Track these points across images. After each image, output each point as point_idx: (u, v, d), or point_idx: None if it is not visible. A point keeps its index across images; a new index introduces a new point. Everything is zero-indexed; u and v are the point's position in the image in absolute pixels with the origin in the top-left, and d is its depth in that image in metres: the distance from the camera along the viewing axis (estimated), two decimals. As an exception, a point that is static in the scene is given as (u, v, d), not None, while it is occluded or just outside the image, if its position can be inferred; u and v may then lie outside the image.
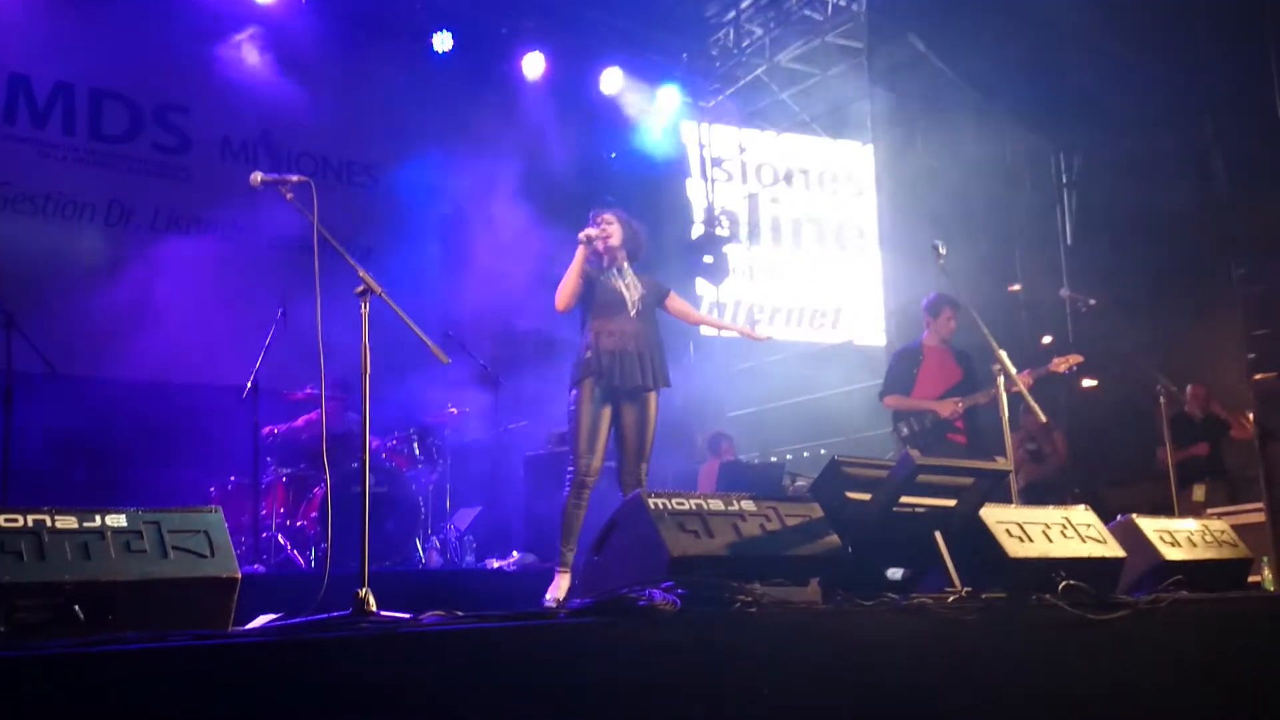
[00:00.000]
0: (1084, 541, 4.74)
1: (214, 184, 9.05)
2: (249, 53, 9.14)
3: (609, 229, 5.60)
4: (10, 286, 6.62)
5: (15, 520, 3.33)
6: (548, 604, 5.11)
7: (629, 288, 5.55)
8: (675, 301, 5.82)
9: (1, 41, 8.31)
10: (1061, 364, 6.82)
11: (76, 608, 3.26)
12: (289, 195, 4.43)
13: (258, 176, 4.44)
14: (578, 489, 5.43)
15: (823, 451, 11.21)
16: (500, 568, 7.25)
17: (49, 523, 3.37)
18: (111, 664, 2.71)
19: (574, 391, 5.46)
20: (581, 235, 5.51)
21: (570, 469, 5.46)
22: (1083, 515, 4.92)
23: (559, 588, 5.32)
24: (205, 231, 9.05)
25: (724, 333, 6.07)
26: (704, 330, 5.85)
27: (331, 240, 4.37)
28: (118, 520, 3.47)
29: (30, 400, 6.63)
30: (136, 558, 3.40)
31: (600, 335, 5.45)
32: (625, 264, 5.63)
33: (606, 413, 5.43)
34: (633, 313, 5.50)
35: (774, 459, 11.30)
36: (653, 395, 5.50)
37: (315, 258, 4.37)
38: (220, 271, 8.59)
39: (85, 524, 3.42)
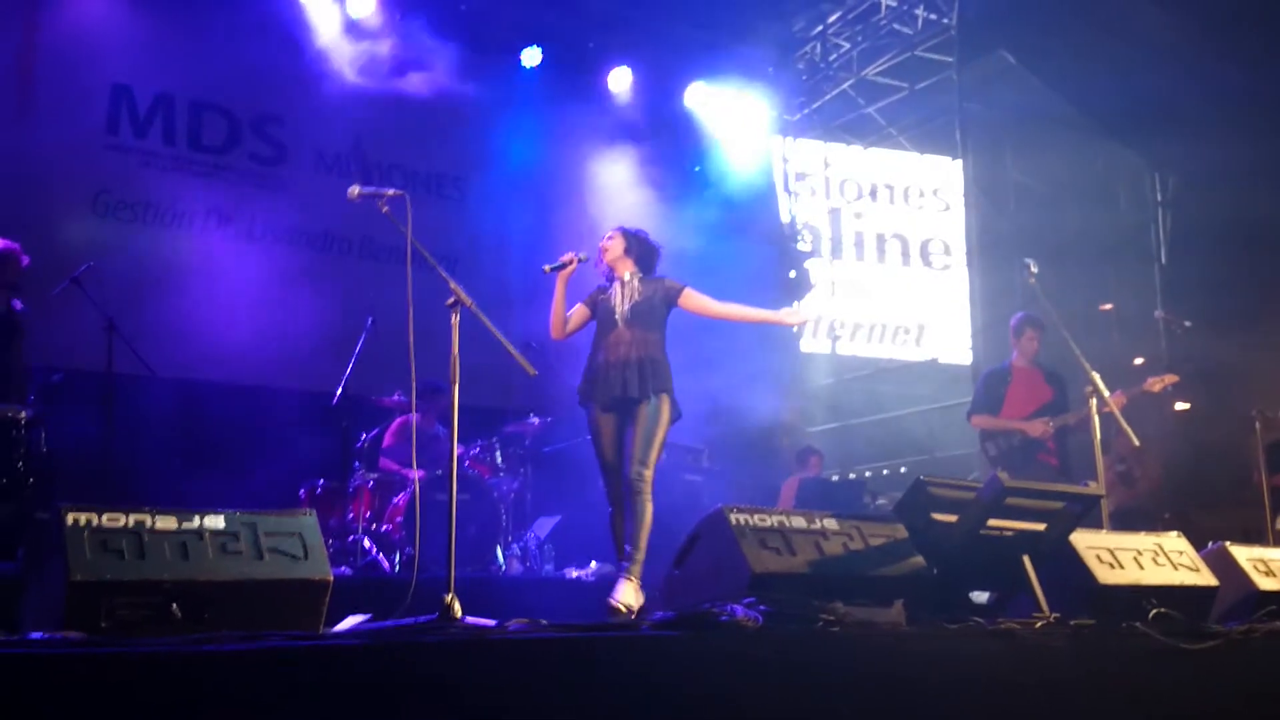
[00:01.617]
0: (1176, 569, 4.65)
1: (307, 194, 9.24)
2: (342, 65, 9.32)
3: (606, 244, 5.58)
4: (111, 292, 6.81)
5: (117, 520, 3.44)
6: (614, 605, 5.03)
7: (622, 299, 5.47)
8: (692, 299, 5.58)
9: (105, 53, 8.56)
10: (1156, 384, 6.67)
11: (174, 606, 3.35)
12: (384, 208, 4.53)
13: (355, 190, 4.55)
14: (614, 504, 5.41)
15: (903, 470, 11.09)
16: (579, 577, 7.29)
17: (150, 523, 3.47)
18: (208, 663, 2.79)
19: (585, 412, 5.49)
20: (563, 259, 5.47)
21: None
22: (1175, 542, 4.82)
23: (619, 593, 5.15)
24: (298, 240, 9.25)
25: (752, 320, 5.85)
26: (728, 315, 5.53)
27: (424, 253, 4.46)
28: (216, 522, 3.56)
29: (130, 402, 6.84)
30: (233, 559, 3.49)
31: (595, 352, 5.45)
32: (629, 274, 5.54)
33: (608, 426, 5.39)
34: (621, 323, 5.40)
35: (853, 476, 11.21)
36: (645, 405, 5.28)
37: (408, 269, 4.46)
38: (312, 280, 8.76)
39: (184, 525, 3.51)
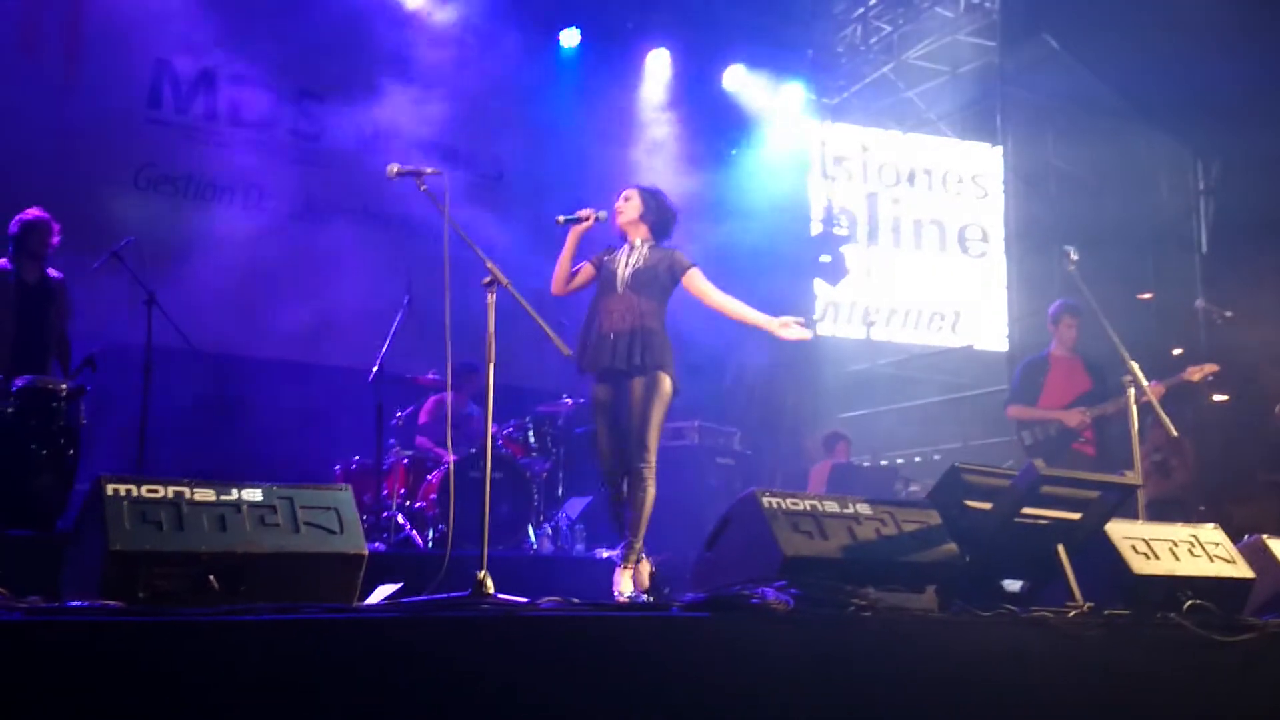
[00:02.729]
0: (1212, 561, 4.60)
1: (347, 171, 9.29)
2: (383, 44, 9.37)
3: (621, 205, 5.35)
4: (152, 266, 6.88)
5: (156, 491, 3.48)
6: (618, 598, 4.93)
7: (626, 264, 5.24)
8: (696, 281, 5.30)
9: (148, 27, 8.61)
10: (1196, 373, 6.59)
11: (211, 577, 3.39)
12: (423, 186, 4.56)
13: (394, 168, 4.57)
14: (607, 482, 5.27)
15: (936, 458, 11.04)
16: (609, 557, 7.29)
17: (188, 494, 3.51)
18: (245, 634, 2.82)
19: (586, 385, 5.34)
20: (580, 213, 5.24)
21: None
22: (1211, 534, 4.77)
23: (620, 582, 5.10)
24: (337, 216, 9.30)
25: (747, 321, 5.50)
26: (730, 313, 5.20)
27: (461, 232, 4.47)
28: (253, 495, 3.60)
29: (169, 374, 6.92)
30: (270, 531, 3.53)
31: (591, 316, 5.25)
32: (640, 240, 5.31)
33: (606, 399, 5.21)
34: (621, 290, 5.18)
35: (884, 463, 11.17)
36: (639, 380, 5.11)
37: (445, 247, 4.48)
38: (350, 256, 8.83)
39: (222, 497, 3.55)
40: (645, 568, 5.22)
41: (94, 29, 8.43)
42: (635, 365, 5.11)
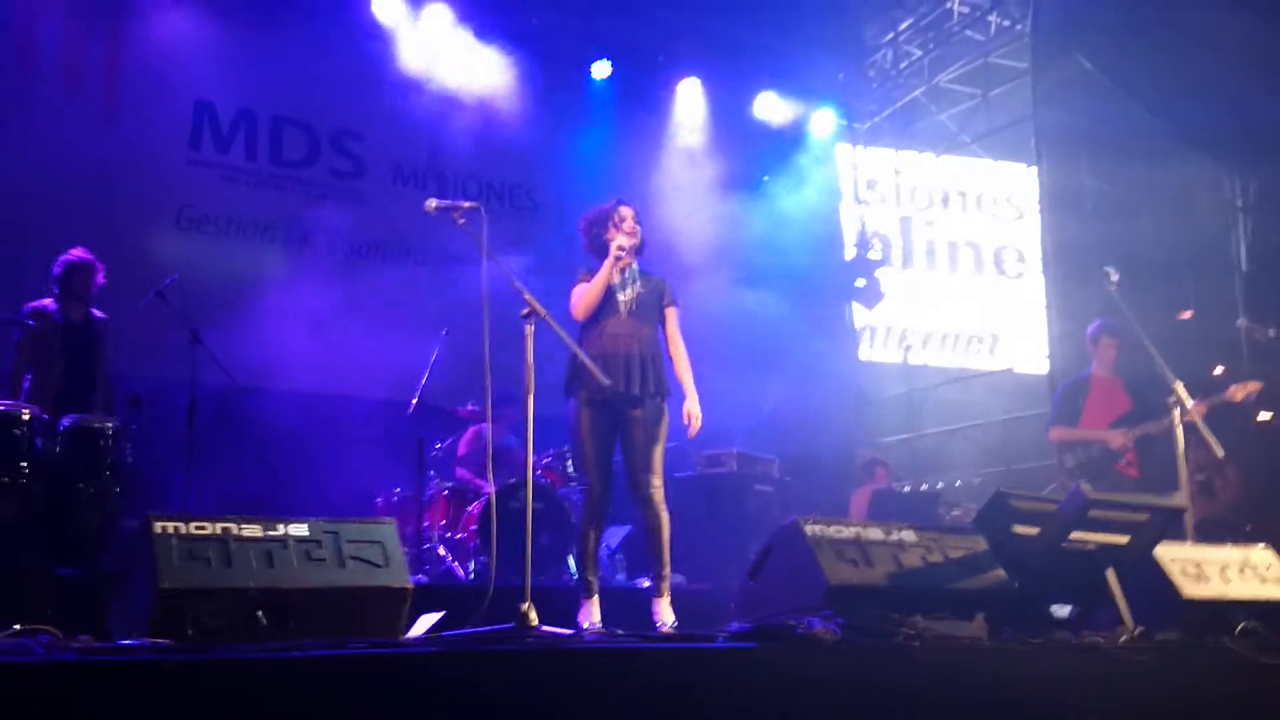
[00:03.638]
0: (1264, 583, 4.54)
1: (386, 207, 9.38)
2: (419, 80, 9.48)
3: (634, 226, 5.28)
4: (195, 304, 6.97)
5: (204, 528, 3.52)
6: (582, 630, 4.84)
7: (625, 287, 5.20)
8: (671, 317, 5.31)
9: (188, 69, 8.75)
10: (1239, 391, 6.51)
11: (259, 613, 3.42)
12: (461, 221, 4.60)
13: (432, 203, 4.62)
14: (590, 509, 5.15)
15: (977, 482, 10.94)
16: (651, 586, 7.29)
17: (236, 531, 3.55)
18: (295, 669, 2.84)
19: (570, 403, 5.16)
20: (616, 249, 5.15)
21: (580, 488, 5.24)
22: (1262, 555, 4.71)
23: (590, 614, 5.05)
24: (376, 252, 9.39)
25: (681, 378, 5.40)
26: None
27: (500, 264, 4.51)
28: (299, 530, 3.63)
29: (213, 410, 6.99)
30: (317, 566, 3.56)
31: (590, 340, 5.13)
32: (635, 263, 5.29)
33: (607, 423, 5.11)
34: (624, 313, 5.14)
35: (925, 488, 11.07)
36: (650, 404, 5.09)
37: (484, 280, 4.52)
38: (390, 290, 8.91)
39: (269, 532, 3.59)
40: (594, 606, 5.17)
41: (133, 71, 8.57)
42: (648, 391, 5.11)
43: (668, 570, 5.15)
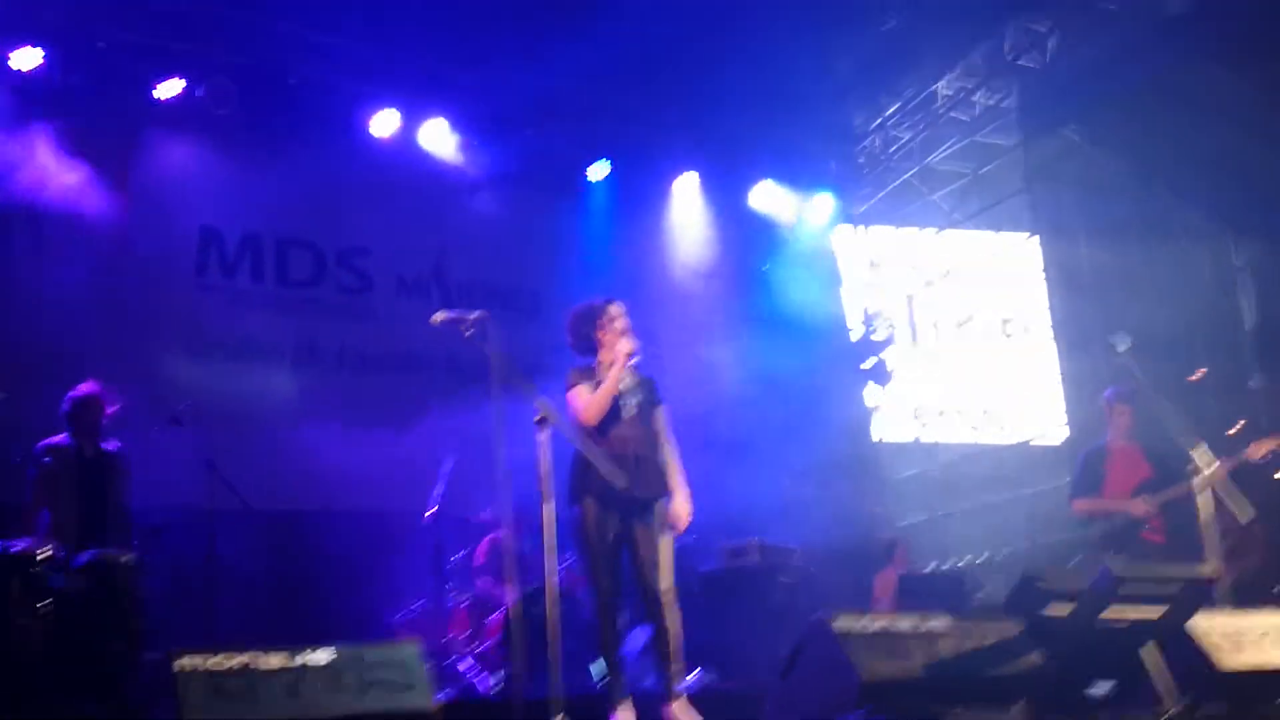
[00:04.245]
0: (1305, 649, 4.44)
1: (393, 319, 9.44)
2: (420, 193, 9.63)
3: (629, 327, 5.31)
4: (209, 431, 6.98)
5: (225, 662, 3.48)
6: None
7: (625, 390, 5.22)
8: (661, 415, 5.35)
9: (193, 197, 8.90)
10: (1258, 450, 6.43)
11: (285, 746, 3.37)
12: (468, 332, 4.64)
13: (439, 316, 4.68)
14: (606, 614, 5.12)
15: (1000, 557, 10.81)
16: (659, 691, 7.16)
17: (257, 663, 3.51)
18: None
19: (575, 509, 5.14)
20: (626, 355, 5.17)
21: (592, 594, 5.20)
22: (1301, 620, 4.62)
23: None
24: (384, 365, 9.41)
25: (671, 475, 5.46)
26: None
27: (512, 372, 4.53)
28: (321, 657, 3.60)
29: (230, 537, 6.97)
30: (341, 694, 3.52)
31: (596, 444, 5.11)
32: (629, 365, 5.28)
33: (614, 526, 5.10)
34: (627, 415, 5.17)
35: (946, 567, 10.94)
36: (658, 506, 5.12)
37: (494, 387, 4.54)
38: (399, 402, 8.92)
39: (291, 663, 3.55)
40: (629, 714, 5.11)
41: (140, 202, 8.67)
42: (656, 488, 5.13)
43: (682, 668, 5.11)
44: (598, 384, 5.24)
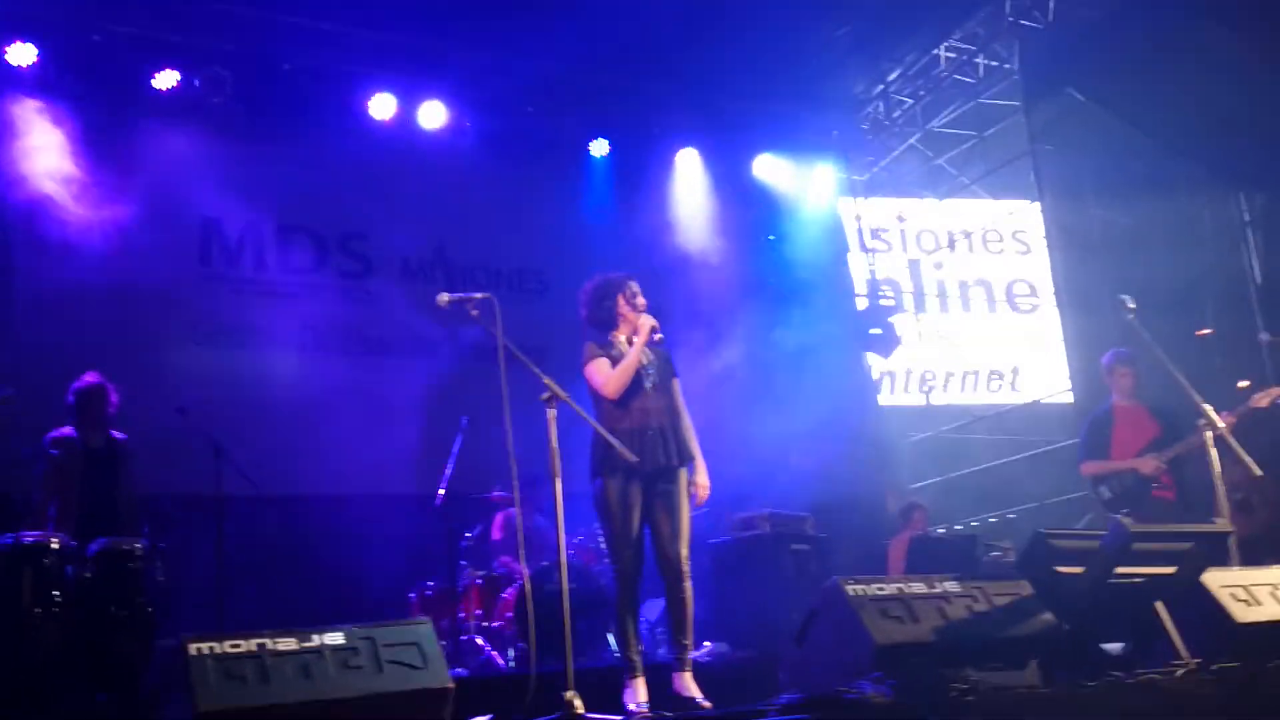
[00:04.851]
0: (1319, 601, 4.43)
1: (396, 303, 9.42)
2: (420, 176, 9.59)
3: (644, 301, 5.39)
4: (217, 417, 6.99)
5: (239, 646, 3.49)
6: (631, 713, 4.83)
7: (646, 362, 5.27)
8: (675, 387, 5.40)
9: (193, 189, 8.87)
10: (1263, 398, 6.44)
11: (300, 727, 3.37)
12: (474, 312, 4.63)
13: (444, 298, 4.67)
14: (627, 587, 5.14)
15: (1011, 516, 10.82)
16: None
17: (270, 645, 3.51)
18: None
19: (597, 482, 5.18)
20: (651, 329, 5.23)
21: (614, 566, 5.21)
22: (1314, 573, 4.60)
23: (638, 692, 5.00)
24: (389, 348, 9.41)
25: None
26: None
27: (517, 352, 4.52)
28: (334, 639, 3.59)
29: (242, 520, 6.98)
30: (354, 674, 3.52)
31: (619, 416, 5.19)
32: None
33: (637, 498, 5.13)
34: (649, 386, 5.22)
35: (959, 529, 10.95)
36: (681, 473, 5.20)
37: (501, 369, 4.54)
38: (406, 385, 8.90)
39: (304, 644, 3.55)
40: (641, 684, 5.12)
41: (143, 195, 8.64)
42: (677, 457, 5.18)
43: (691, 642, 5.15)
44: (613, 359, 5.27)
